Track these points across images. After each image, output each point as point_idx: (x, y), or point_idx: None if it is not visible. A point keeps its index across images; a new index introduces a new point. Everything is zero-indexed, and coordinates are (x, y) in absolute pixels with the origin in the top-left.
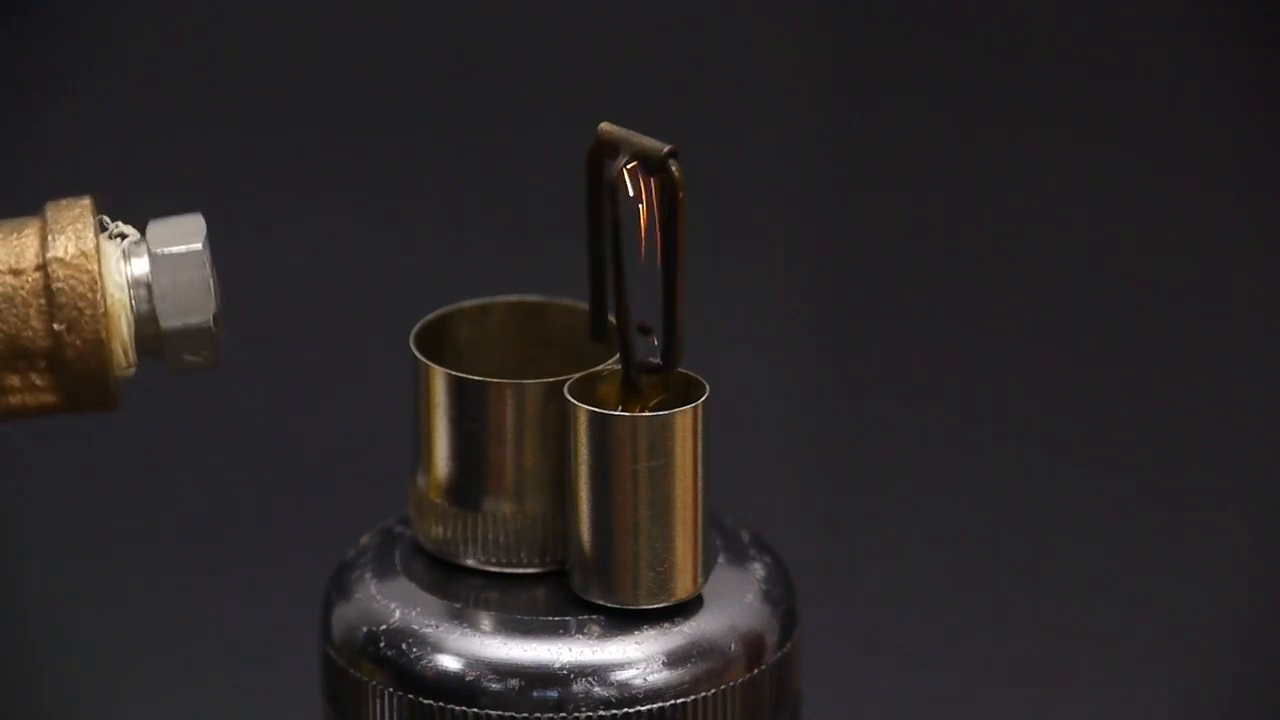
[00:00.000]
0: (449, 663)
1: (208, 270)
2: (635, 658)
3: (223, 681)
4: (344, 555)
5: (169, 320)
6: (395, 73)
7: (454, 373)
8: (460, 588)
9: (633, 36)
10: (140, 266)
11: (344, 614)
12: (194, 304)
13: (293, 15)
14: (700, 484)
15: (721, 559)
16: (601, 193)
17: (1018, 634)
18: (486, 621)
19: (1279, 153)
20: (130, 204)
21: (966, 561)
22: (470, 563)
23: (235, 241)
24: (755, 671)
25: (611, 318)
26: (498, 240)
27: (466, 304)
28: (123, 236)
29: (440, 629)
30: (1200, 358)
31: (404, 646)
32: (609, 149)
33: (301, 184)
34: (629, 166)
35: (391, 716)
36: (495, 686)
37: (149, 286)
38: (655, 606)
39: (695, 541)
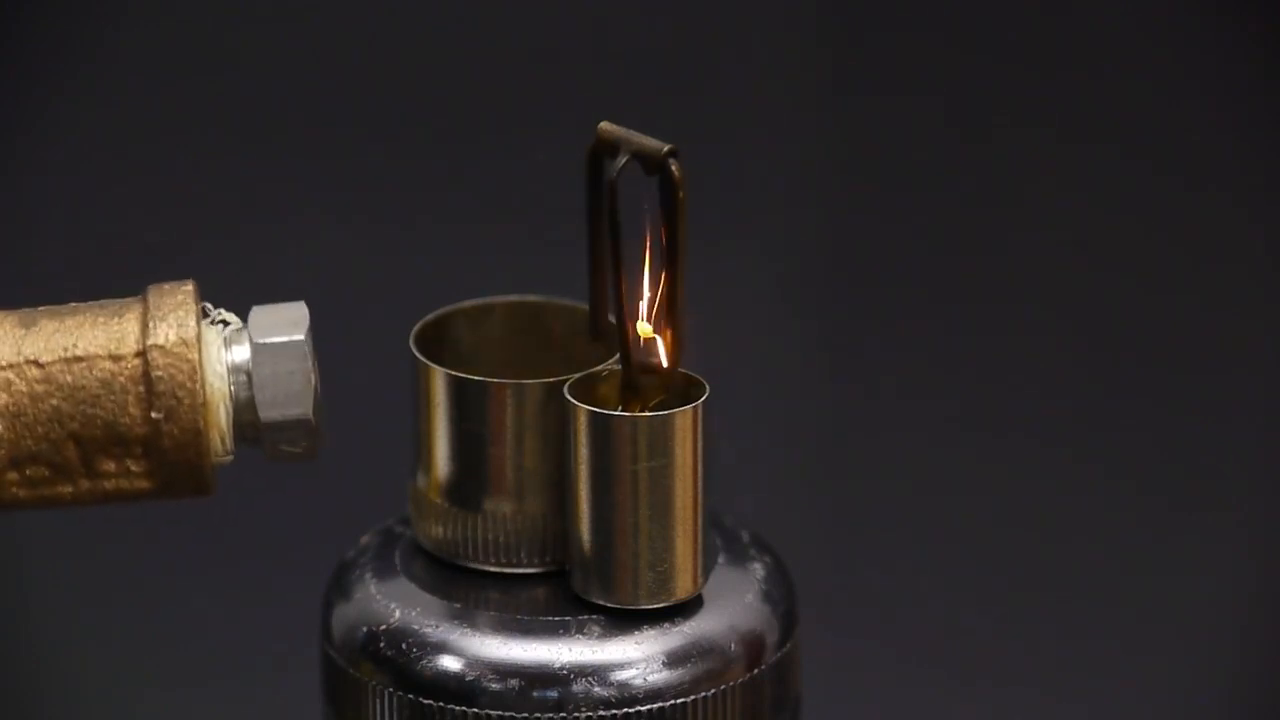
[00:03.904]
0: (449, 663)
1: (309, 362)
2: (635, 658)
3: (223, 681)
4: (344, 555)
5: (268, 411)
6: (395, 72)
7: (454, 373)
8: (460, 588)
9: (633, 36)
10: (241, 354)
11: (344, 614)
12: (294, 396)
13: (293, 15)
14: (700, 484)
15: (721, 559)
16: (601, 192)
17: (1018, 634)
18: (486, 621)
19: (1279, 153)
20: (132, 203)
21: (966, 561)
22: (470, 563)
23: (235, 241)
24: (755, 671)
25: (611, 318)
26: (498, 240)
27: (466, 304)
28: (225, 324)
29: (440, 629)
30: (1200, 358)
31: (404, 646)
32: (609, 148)
33: (301, 184)
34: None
35: (391, 716)
36: (495, 686)
37: (249, 375)
38: (655, 606)
39: (695, 541)
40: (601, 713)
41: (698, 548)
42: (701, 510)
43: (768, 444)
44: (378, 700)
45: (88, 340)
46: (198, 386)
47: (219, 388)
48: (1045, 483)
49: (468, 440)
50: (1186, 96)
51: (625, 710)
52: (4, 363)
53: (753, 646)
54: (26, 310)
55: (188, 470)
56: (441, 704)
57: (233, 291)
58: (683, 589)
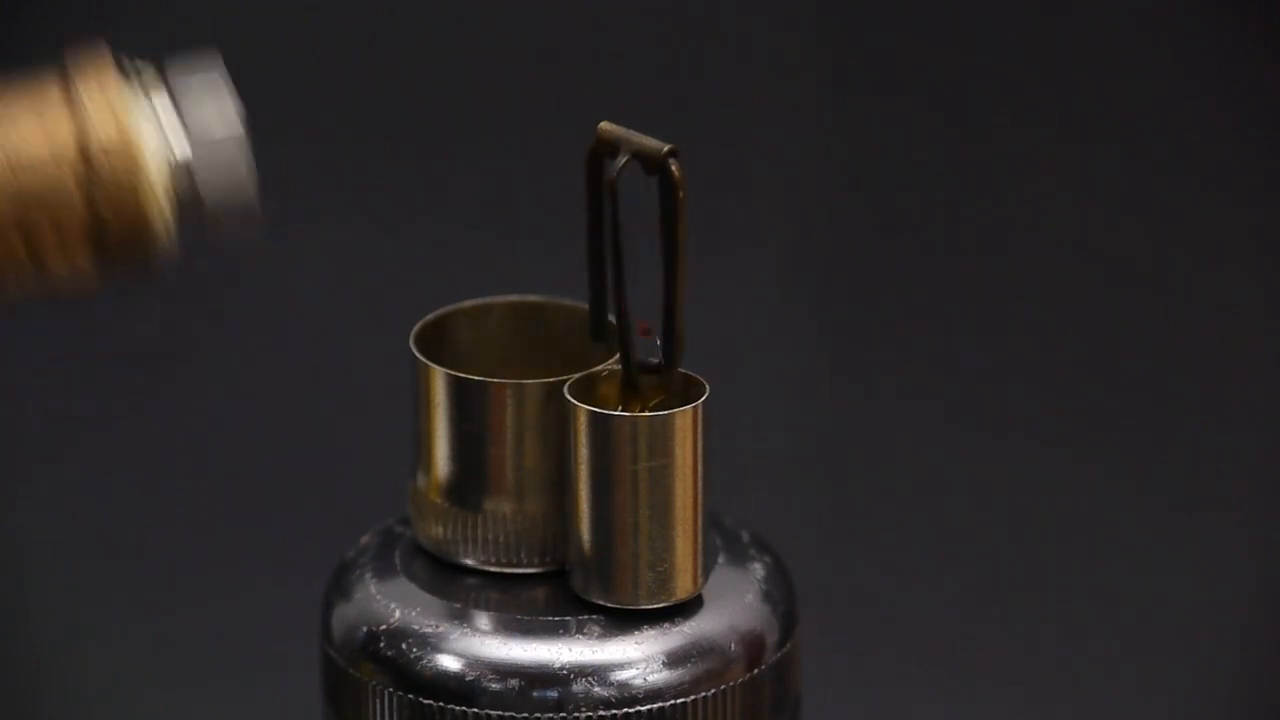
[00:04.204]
0: (449, 663)
1: (245, 142)
2: (635, 658)
3: (223, 681)
4: (344, 555)
5: (208, 192)
6: (395, 72)
7: (454, 373)
8: (460, 588)
9: (633, 36)
10: (179, 144)
11: (344, 614)
12: (233, 176)
13: (293, 15)
14: (700, 484)
15: (721, 559)
16: (601, 193)
17: (1018, 634)
18: (486, 621)
19: (1279, 153)
20: None
21: (966, 561)
22: (470, 563)
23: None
24: (755, 671)
25: (611, 318)
26: (498, 240)
27: (466, 304)
28: (141, 75)
29: (440, 629)
30: (1200, 358)
31: (404, 646)
32: (609, 149)
33: (301, 184)
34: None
35: (391, 716)
36: (495, 686)
37: (188, 160)
38: (655, 606)
39: (695, 541)
40: (601, 713)
41: (698, 548)
42: (701, 510)
43: (768, 444)
44: (378, 700)
45: (27, 137)
46: (139, 176)
47: (159, 176)
48: (1045, 483)
49: (468, 440)
50: (1186, 96)
51: (625, 710)
52: None
53: (753, 646)
54: None
55: (132, 257)
56: (441, 704)
57: (232, 291)
58: (683, 589)
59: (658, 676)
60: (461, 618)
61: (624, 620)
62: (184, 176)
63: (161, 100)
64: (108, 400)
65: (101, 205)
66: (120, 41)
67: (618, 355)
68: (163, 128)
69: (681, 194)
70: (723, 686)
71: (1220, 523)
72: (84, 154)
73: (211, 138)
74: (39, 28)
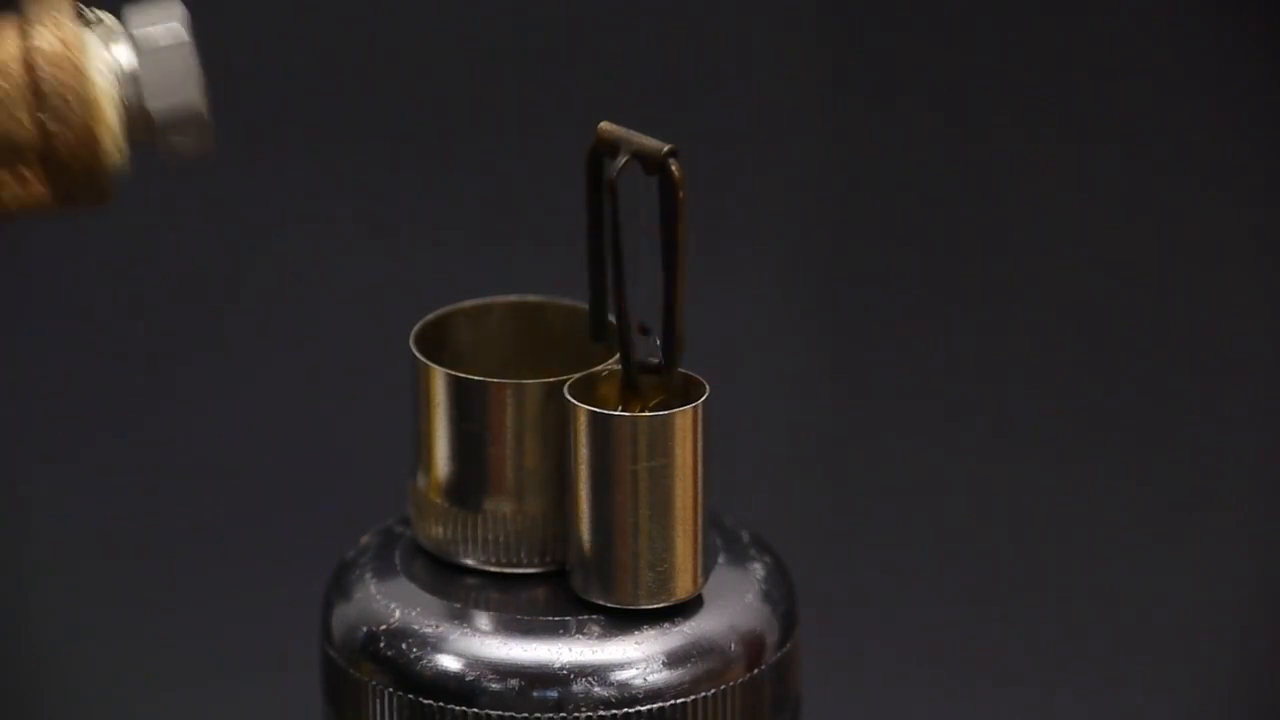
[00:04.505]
0: (449, 663)
1: (191, 50)
2: (635, 658)
3: (223, 681)
4: (344, 555)
5: (156, 102)
6: (395, 72)
7: (454, 373)
8: (460, 588)
9: (633, 36)
10: (123, 53)
11: (344, 614)
12: (180, 85)
13: (292, 16)
14: (700, 484)
15: (721, 559)
16: (601, 192)
17: (1018, 634)
18: (486, 621)
19: (1279, 153)
20: (132, 203)
21: (966, 562)
22: (470, 563)
23: (235, 241)
24: (755, 671)
25: (611, 318)
26: (498, 240)
27: (466, 304)
28: (100, 23)
29: (440, 629)
30: (1200, 358)
31: (404, 646)
32: (609, 148)
33: (301, 185)
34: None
35: (391, 716)
36: (495, 686)
37: (134, 71)
38: (655, 606)
39: (695, 541)
40: (601, 713)
41: (698, 548)
42: (701, 510)
43: (768, 444)
44: (378, 700)
45: None
46: (85, 86)
47: (105, 86)
48: (1045, 483)
49: (468, 440)
50: (1186, 97)
51: (625, 710)
52: None
53: (753, 646)
54: None
55: (84, 174)
56: (441, 704)
57: (232, 291)
58: (683, 589)
59: (658, 676)
60: (461, 618)
61: (624, 620)
62: (131, 85)
63: (112, 24)
64: (108, 400)
65: (48, 117)
66: None
67: (618, 355)
68: (109, 42)
69: (681, 194)
70: (723, 686)
71: (1220, 523)
72: (28, 65)
73: (156, 45)
74: None
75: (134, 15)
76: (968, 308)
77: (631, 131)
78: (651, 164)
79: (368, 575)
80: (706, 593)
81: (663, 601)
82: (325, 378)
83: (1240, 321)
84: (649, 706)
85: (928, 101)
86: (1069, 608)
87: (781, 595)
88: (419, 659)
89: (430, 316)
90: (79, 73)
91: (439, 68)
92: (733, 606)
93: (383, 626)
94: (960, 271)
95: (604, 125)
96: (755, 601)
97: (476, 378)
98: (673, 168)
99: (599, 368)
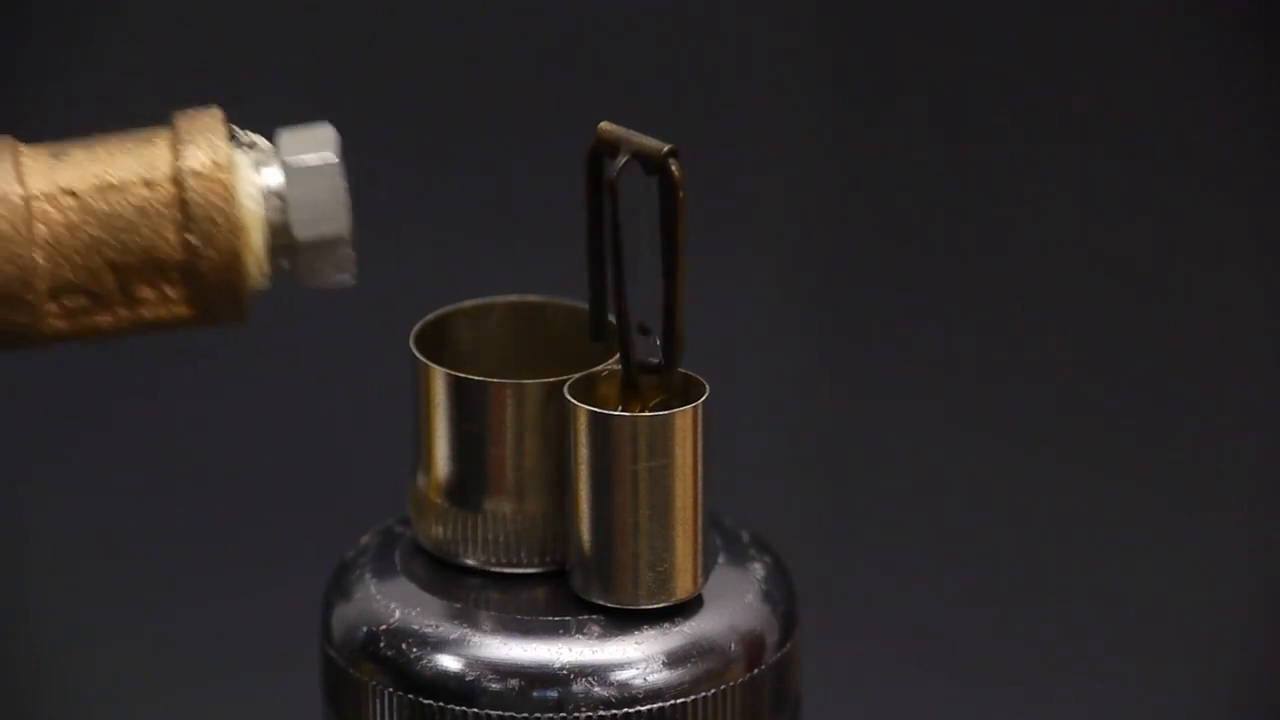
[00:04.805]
0: (449, 663)
1: (342, 180)
2: (635, 658)
3: (223, 681)
4: (344, 555)
5: (303, 231)
6: (395, 72)
7: (454, 373)
8: (460, 588)
9: (633, 36)
10: (274, 177)
11: (344, 614)
12: (329, 214)
13: (292, 15)
14: (700, 484)
15: (721, 559)
16: (601, 192)
17: (1018, 634)
18: (486, 621)
19: (1279, 153)
20: None
21: (966, 562)
22: (470, 563)
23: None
24: (755, 671)
25: (611, 318)
26: (498, 240)
27: (466, 304)
28: (253, 146)
29: (440, 629)
30: (1200, 358)
31: (404, 646)
32: (609, 148)
33: None
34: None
35: (391, 716)
36: (495, 686)
37: (283, 197)
38: (655, 606)
39: (695, 541)
40: (601, 713)
41: (698, 548)
42: (701, 510)
43: (768, 444)
44: (378, 700)
45: (120, 167)
46: (233, 209)
47: (254, 210)
48: (1045, 483)
49: (468, 440)
50: (1186, 96)
51: (625, 710)
52: (38, 193)
53: (753, 646)
54: (56, 142)
55: (225, 295)
56: (441, 704)
57: None
58: (683, 589)
59: (658, 676)
60: (461, 618)
61: (624, 620)
62: (278, 211)
63: (265, 146)
64: (108, 400)
65: (195, 237)
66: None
67: (618, 355)
68: (260, 165)
69: (681, 194)
70: (723, 686)
71: (1220, 523)
72: (176, 178)
73: (307, 172)
74: (36, 28)
75: (286, 139)
76: (968, 308)
77: (631, 131)
78: (651, 164)
79: (368, 575)
80: (706, 593)
81: (663, 601)
82: (325, 378)
83: (1240, 321)
84: (649, 706)
85: (928, 102)
86: (1069, 608)
87: (781, 595)
88: (419, 659)
89: (430, 316)
90: (228, 195)
91: (439, 67)
92: (733, 606)
93: (383, 626)
94: (960, 272)
95: (604, 125)
96: (755, 601)
97: (476, 378)
98: (673, 168)
99: (599, 368)
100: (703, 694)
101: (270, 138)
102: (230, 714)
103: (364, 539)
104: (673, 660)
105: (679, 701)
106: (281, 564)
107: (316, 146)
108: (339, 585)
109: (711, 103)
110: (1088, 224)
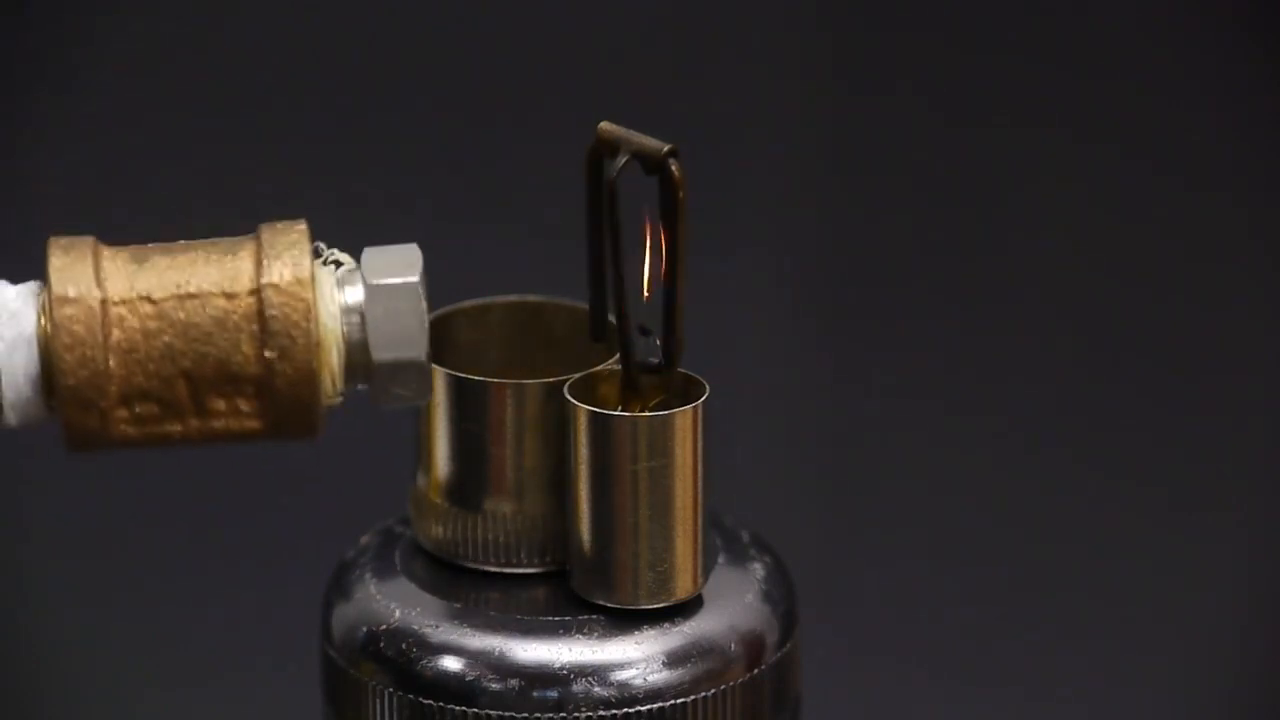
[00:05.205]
0: (449, 663)
1: (423, 304)
2: (635, 658)
3: (223, 681)
4: (344, 555)
5: (381, 353)
6: (395, 72)
7: (454, 373)
8: (460, 588)
9: (633, 36)
10: (354, 295)
11: (344, 614)
12: (407, 337)
13: (291, 14)
14: (700, 484)
15: (721, 559)
16: (601, 192)
17: (1018, 634)
18: (486, 621)
19: (1279, 153)
20: (131, 202)
21: (966, 561)
22: (470, 563)
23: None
24: (755, 671)
25: (611, 318)
26: (498, 240)
27: (466, 304)
28: (337, 264)
29: (440, 629)
30: (1200, 358)
31: (404, 646)
32: (609, 148)
33: (300, 184)
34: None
35: (391, 716)
36: (495, 686)
37: (362, 316)
38: (655, 606)
39: (695, 541)
40: (601, 713)
41: (698, 548)
42: (701, 510)
43: (768, 444)
44: (378, 700)
45: (201, 277)
46: (312, 326)
47: (332, 328)
48: (1045, 482)
49: (468, 440)
50: (1187, 96)
51: (625, 710)
52: (117, 298)
53: (753, 646)
54: (138, 246)
55: (298, 411)
56: (441, 704)
57: None
58: (683, 589)
59: (658, 676)
60: (461, 618)
61: (624, 620)
62: (358, 331)
63: (349, 264)
64: None
65: (272, 352)
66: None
67: (618, 355)
68: (343, 284)
69: (681, 194)
70: (723, 686)
71: (1220, 523)
72: (257, 291)
73: (390, 294)
74: (36, 27)
75: (370, 258)
76: (968, 308)
77: (631, 131)
78: (651, 164)
79: (368, 575)
80: (706, 593)
81: (663, 601)
82: None
83: (1240, 321)
84: (649, 706)
85: (928, 102)
86: (1069, 608)
87: (781, 595)
88: (419, 659)
89: (430, 316)
90: (308, 311)
91: (439, 67)
92: (733, 606)
93: (383, 626)
94: (961, 271)
95: (604, 125)
96: (755, 601)
97: (476, 378)
98: (673, 168)
99: (599, 368)
100: (703, 694)
101: (357, 255)
102: (230, 714)
103: (364, 539)
104: (673, 660)
105: (679, 701)
106: (281, 564)
107: (400, 267)
108: (339, 585)
109: (712, 102)
110: (1088, 224)
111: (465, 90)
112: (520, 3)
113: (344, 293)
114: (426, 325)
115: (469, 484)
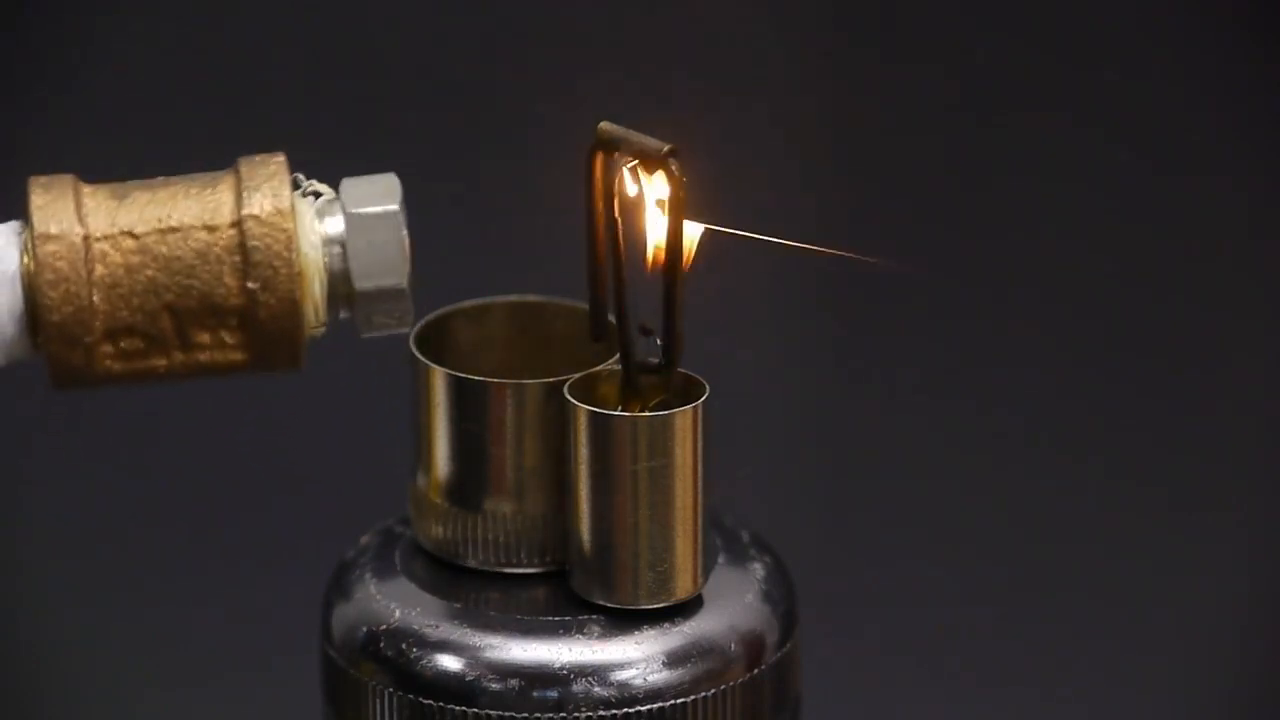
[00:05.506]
0: (449, 663)
1: (404, 231)
2: (635, 658)
3: (223, 681)
4: (344, 555)
5: (363, 281)
6: (395, 71)
7: (454, 373)
8: (460, 588)
9: (633, 36)
10: (335, 225)
11: (344, 614)
12: (389, 265)
13: (291, 14)
14: (700, 484)
15: (721, 559)
16: (601, 192)
17: (1018, 634)
18: (486, 621)
19: (1279, 152)
20: None
21: (967, 561)
22: (470, 563)
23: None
24: (755, 671)
25: (611, 318)
26: (498, 240)
27: (466, 304)
28: (316, 195)
29: (440, 629)
30: (1200, 358)
31: (404, 646)
32: (609, 148)
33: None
34: (630, 165)
35: (391, 716)
36: (495, 686)
37: (344, 246)
38: (655, 606)
39: (695, 541)
40: (601, 713)
41: (698, 548)
42: (701, 510)
43: (768, 444)
44: (378, 700)
45: (182, 211)
46: (294, 256)
47: (314, 258)
48: (1045, 482)
49: (468, 440)
50: (1187, 96)
51: (625, 710)
52: (99, 234)
53: (753, 646)
54: (118, 183)
55: (282, 342)
56: (441, 704)
57: None
58: (683, 589)
59: (658, 676)
60: (461, 618)
61: (624, 620)
62: (339, 260)
63: (328, 195)
64: (107, 399)
65: (255, 284)
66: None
67: (618, 355)
68: (323, 214)
69: (681, 194)
70: (723, 686)
71: (1220, 523)
72: (238, 224)
73: (370, 223)
74: (36, 26)
75: (349, 188)
76: (969, 307)
77: (631, 131)
78: (651, 164)
79: (368, 575)
80: (706, 593)
81: (663, 601)
82: (325, 377)
83: (1240, 321)
84: (649, 706)
85: (930, 101)
86: (1069, 608)
87: (781, 595)
88: (419, 659)
89: (430, 316)
90: (290, 242)
91: (439, 67)
92: (733, 606)
93: (383, 626)
94: (960, 272)
95: (604, 125)
96: (755, 601)
97: (476, 378)
98: (673, 168)
99: (599, 368)
100: (703, 694)
101: (334, 185)
102: (230, 714)
103: (364, 539)
104: (673, 660)
105: (679, 701)
106: (281, 564)
107: (380, 196)
108: (339, 585)
109: (712, 101)
110: (1088, 224)
111: (465, 90)
112: (522, 3)
113: (324, 223)
114: (408, 252)
115: (469, 484)
